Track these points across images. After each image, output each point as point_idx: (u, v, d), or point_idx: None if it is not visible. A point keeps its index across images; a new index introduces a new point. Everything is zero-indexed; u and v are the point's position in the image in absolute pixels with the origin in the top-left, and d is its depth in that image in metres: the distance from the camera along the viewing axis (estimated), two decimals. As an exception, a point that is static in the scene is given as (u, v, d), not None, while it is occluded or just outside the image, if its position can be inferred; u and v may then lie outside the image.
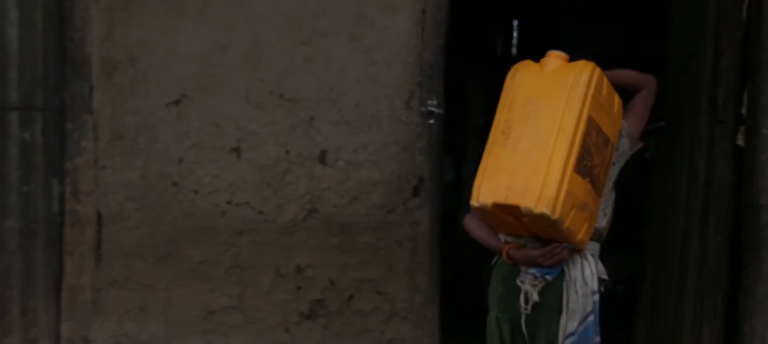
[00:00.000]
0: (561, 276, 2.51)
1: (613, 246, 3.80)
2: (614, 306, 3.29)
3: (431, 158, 3.13)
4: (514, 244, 2.53)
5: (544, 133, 2.35)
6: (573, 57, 2.45)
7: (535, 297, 2.51)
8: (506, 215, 2.35)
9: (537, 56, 2.48)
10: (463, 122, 7.75)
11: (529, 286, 2.53)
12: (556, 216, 2.28)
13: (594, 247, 2.57)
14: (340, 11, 3.06)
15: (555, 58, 2.45)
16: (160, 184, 3.09)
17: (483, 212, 2.40)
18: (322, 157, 3.11)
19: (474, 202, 2.37)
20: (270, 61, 3.07)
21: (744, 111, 3.16)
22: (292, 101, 3.09)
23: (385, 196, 3.13)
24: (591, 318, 2.51)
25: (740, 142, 3.17)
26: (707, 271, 3.23)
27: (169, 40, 3.06)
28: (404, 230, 3.15)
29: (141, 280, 3.11)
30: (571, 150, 2.32)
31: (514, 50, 7.92)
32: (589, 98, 2.35)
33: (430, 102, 3.11)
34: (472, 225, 2.64)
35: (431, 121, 3.12)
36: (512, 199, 2.31)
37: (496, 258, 2.64)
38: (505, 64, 7.77)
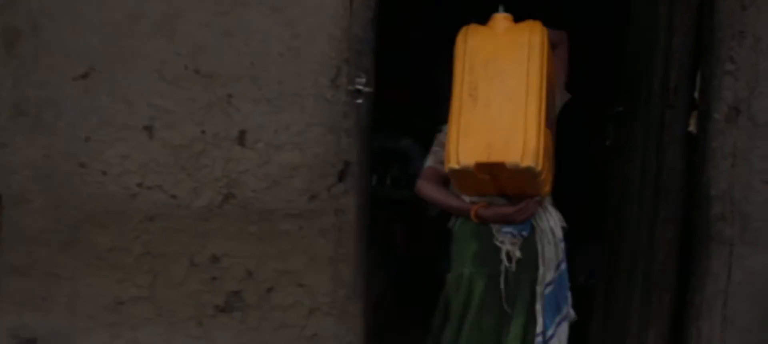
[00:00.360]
0: (533, 230, 2.67)
1: (588, 238, 3.81)
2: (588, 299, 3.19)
3: (359, 141, 2.90)
4: (482, 204, 2.64)
5: (514, 91, 2.46)
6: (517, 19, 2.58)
7: (518, 253, 2.66)
8: (484, 174, 2.44)
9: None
10: (433, 107, 7.53)
11: (510, 245, 2.67)
12: (539, 168, 2.40)
13: (548, 198, 2.74)
14: (261, -21, 2.83)
15: (503, 20, 2.58)
16: (66, 165, 2.85)
17: (461, 174, 2.46)
18: (241, 138, 2.88)
19: (454, 165, 2.42)
20: (185, 33, 2.84)
21: (697, 94, 2.94)
22: (209, 77, 2.85)
23: (308, 181, 2.90)
24: (563, 265, 2.71)
25: (693, 128, 2.95)
26: (656, 267, 3.03)
27: (75, 8, 2.82)
28: (328, 218, 2.92)
29: (44, 268, 2.88)
30: (541, 105, 2.45)
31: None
32: (546, 56, 2.50)
33: (358, 80, 2.88)
34: (428, 189, 2.74)
35: (359, 101, 2.89)
36: (495, 157, 2.40)
37: (453, 219, 2.75)
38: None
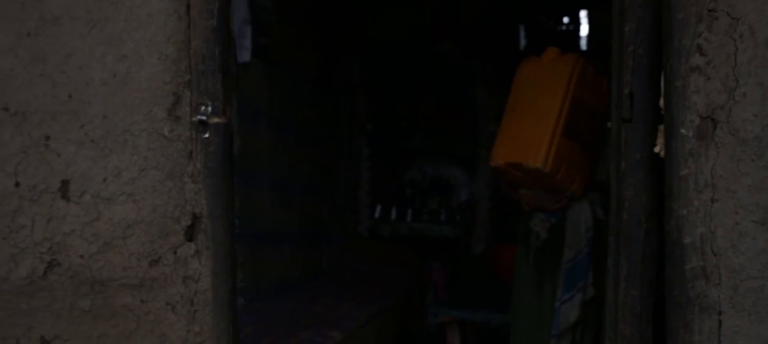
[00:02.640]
0: (564, 218, 3.29)
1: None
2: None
3: (211, 187, 2.24)
4: (528, 193, 3.31)
5: (542, 107, 3.13)
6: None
7: (544, 234, 3.35)
8: (515, 171, 3.17)
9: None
10: (472, 132, 6.76)
11: (539, 228, 3.36)
12: (547, 169, 3.09)
13: (594, 196, 3.27)
14: (73, -13, 2.23)
15: (551, 52, 3.27)
16: None
17: (500, 171, 3.27)
18: (64, 190, 2.27)
19: (492, 163, 3.26)
20: (-12, 61, 2.27)
21: (662, 103, 2.10)
22: (21, 115, 2.27)
23: (147, 242, 2.26)
24: (585, 250, 3.26)
25: (660, 148, 2.11)
26: (620, 342, 2.18)
27: None
28: (176, 288, 2.26)
29: None
30: (559, 120, 3.10)
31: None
32: (574, 81, 3.14)
33: (203, 108, 2.22)
34: (502, 185, 3.46)
35: (206, 135, 2.23)
36: (515, 158, 3.15)
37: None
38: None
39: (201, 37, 2.21)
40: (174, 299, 2.27)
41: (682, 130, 1.98)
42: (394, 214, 6.64)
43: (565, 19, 7.14)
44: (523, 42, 7.04)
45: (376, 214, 6.67)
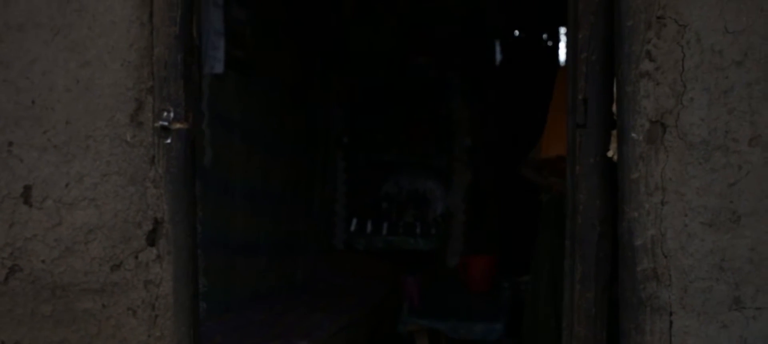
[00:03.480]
0: None
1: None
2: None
3: (172, 192, 2.26)
4: (558, 181, 3.50)
5: None
6: None
7: None
8: (563, 163, 2.94)
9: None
10: (448, 145, 6.80)
11: None
12: None
13: None
14: (37, -6, 2.25)
15: None
16: None
17: (550, 161, 3.55)
18: (26, 195, 2.29)
19: (545, 155, 3.59)
20: (-48, 68, 2.28)
21: (614, 108, 2.15)
22: (-16, 121, 2.29)
23: (109, 247, 2.27)
24: None
25: (612, 153, 2.15)
26: (576, 343, 2.22)
27: None
28: (138, 292, 2.28)
29: None
30: None
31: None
32: None
33: (165, 114, 2.25)
34: (529, 172, 3.82)
35: (168, 141, 2.25)
36: (553, 151, 3.46)
37: (544, 194, 3.77)
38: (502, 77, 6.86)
39: (163, 44, 2.24)
40: (135, 304, 2.28)
41: (633, 134, 2.03)
42: (369, 227, 6.66)
43: (544, 36, 7.23)
44: (498, 57, 7.11)
45: (352, 227, 6.68)
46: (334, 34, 6.25)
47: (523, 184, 5.95)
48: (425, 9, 6.58)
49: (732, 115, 1.98)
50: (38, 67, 2.27)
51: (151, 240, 2.28)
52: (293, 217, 5.42)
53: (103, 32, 2.25)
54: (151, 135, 2.26)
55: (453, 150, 6.72)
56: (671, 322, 2.05)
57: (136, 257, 2.28)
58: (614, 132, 2.14)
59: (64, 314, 2.30)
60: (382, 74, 6.53)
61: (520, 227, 6.40)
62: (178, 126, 2.26)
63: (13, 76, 2.27)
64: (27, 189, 2.29)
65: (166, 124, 2.24)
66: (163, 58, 2.24)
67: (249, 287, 4.47)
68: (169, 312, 2.28)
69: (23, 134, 2.28)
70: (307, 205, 5.80)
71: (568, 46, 2.25)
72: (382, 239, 6.61)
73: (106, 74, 2.25)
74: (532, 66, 6.73)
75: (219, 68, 4.20)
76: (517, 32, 7.23)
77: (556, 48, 7.18)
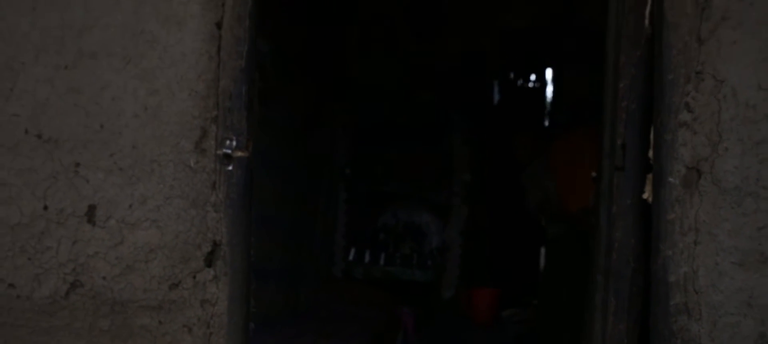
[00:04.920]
0: None
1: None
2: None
3: (231, 217, 2.39)
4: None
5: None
6: None
7: None
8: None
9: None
10: (447, 180, 6.97)
11: None
12: None
13: None
14: (111, 25, 2.38)
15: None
16: None
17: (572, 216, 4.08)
18: (90, 215, 2.40)
19: (573, 208, 4.07)
20: (25, 90, 2.40)
21: (651, 154, 2.32)
22: (54, 142, 2.40)
23: (168, 266, 2.39)
24: None
25: (648, 195, 2.32)
26: (608, 375, 2.37)
27: None
28: (194, 311, 2.40)
29: None
30: None
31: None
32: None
33: (228, 142, 2.38)
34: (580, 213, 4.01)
35: (229, 168, 2.39)
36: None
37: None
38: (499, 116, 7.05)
39: (229, 77, 2.38)
40: (191, 321, 2.40)
41: (670, 179, 2.19)
42: (367, 257, 6.80)
43: (532, 77, 7.45)
44: (496, 97, 7.32)
45: (350, 256, 6.82)
46: (344, 68, 6.42)
47: (519, 222, 6.12)
48: (429, 47, 6.78)
49: (763, 165, 2.15)
50: (108, 93, 2.40)
51: (209, 261, 2.40)
52: (299, 245, 5.53)
53: (173, 63, 2.38)
54: (213, 161, 2.39)
55: (452, 185, 6.89)
56: (700, 355, 2.20)
57: (194, 277, 2.39)
58: (649, 175, 2.31)
59: (121, 329, 2.41)
60: (386, 108, 6.71)
61: (516, 262, 6.59)
62: (239, 154, 2.39)
63: (83, 101, 2.40)
64: (91, 208, 2.40)
65: (228, 151, 2.38)
66: (229, 90, 2.38)
67: (260, 311, 4.56)
68: (222, 330, 2.40)
69: (90, 156, 2.40)
70: (310, 234, 5.91)
71: (606, 95, 2.41)
72: (379, 269, 6.75)
73: (174, 103, 2.38)
74: (523, 106, 6.98)
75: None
76: (511, 74, 7.44)
77: (543, 90, 7.40)
